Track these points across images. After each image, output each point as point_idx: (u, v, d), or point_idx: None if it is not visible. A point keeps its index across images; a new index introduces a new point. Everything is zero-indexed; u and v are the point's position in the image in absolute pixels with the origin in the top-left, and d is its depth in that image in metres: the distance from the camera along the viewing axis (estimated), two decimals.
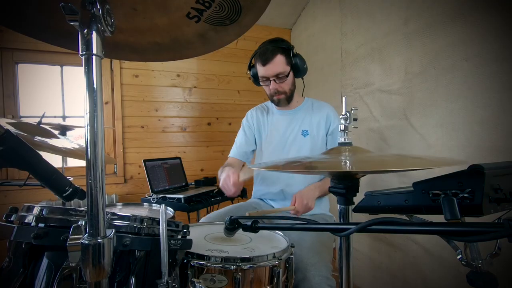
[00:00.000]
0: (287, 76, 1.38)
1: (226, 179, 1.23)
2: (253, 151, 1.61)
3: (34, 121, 1.30)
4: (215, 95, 2.74)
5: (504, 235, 0.41)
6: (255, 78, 1.47)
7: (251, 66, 1.49)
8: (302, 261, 1.10)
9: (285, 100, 1.45)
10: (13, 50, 2.16)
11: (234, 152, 1.58)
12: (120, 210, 1.60)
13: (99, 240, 0.47)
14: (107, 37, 0.50)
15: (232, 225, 0.73)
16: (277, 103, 1.48)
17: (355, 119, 0.73)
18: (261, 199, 1.58)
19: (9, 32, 2.09)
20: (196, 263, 0.83)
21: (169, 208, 1.54)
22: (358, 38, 2.05)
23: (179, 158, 2.21)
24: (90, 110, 0.47)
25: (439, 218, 0.50)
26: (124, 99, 2.43)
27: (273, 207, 1.51)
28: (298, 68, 1.39)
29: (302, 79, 1.53)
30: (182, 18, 0.62)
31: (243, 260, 0.84)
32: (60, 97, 2.33)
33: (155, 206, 1.63)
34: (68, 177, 0.65)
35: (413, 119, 1.63)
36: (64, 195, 0.61)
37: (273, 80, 1.38)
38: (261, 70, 1.39)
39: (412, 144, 1.63)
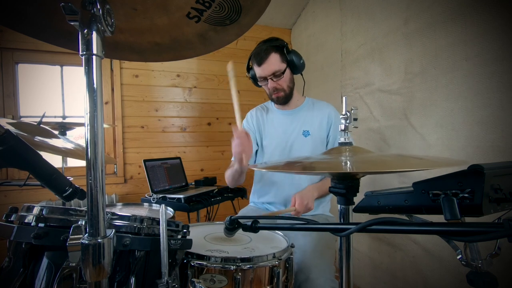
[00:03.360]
0: (283, 73, 1.38)
1: (237, 139, 1.14)
2: (254, 154, 1.59)
3: (34, 121, 1.30)
4: (215, 95, 2.74)
5: (504, 235, 0.41)
6: (254, 79, 1.48)
7: (249, 68, 1.49)
8: (305, 263, 1.10)
9: (284, 97, 1.44)
10: (13, 50, 2.16)
11: None
12: (120, 210, 1.60)
13: (99, 240, 0.47)
14: (107, 37, 0.50)
15: (232, 225, 0.73)
16: (277, 101, 1.47)
17: (355, 119, 0.73)
18: (260, 202, 1.57)
19: (9, 32, 2.09)
20: (196, 263, 0.83)
21: (169, 208, 1.54)
22: (358, 38, 2.05)
23: (179, 158, 2.21)
24: (90, 110, 0.47)
25: (439, 218, 0.50)
26: (124, 99, 2.43)
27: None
28: (294, 64, 1.39)
29: (302, 76, 1.52)
30: (182, 18, 0.62)
31: (243, 260, 0.84)
32: (60, 97, 2.33)
33: (155, 206, 1.63)
34: (68, 177, 0.65)
35: (413, 119, 1.63)
36: (64, 195, 0.61)
37: (270, 78, 1.39)
38: (257, 70, 1.40)
39: (412, 144, 1.63)
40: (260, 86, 1.50)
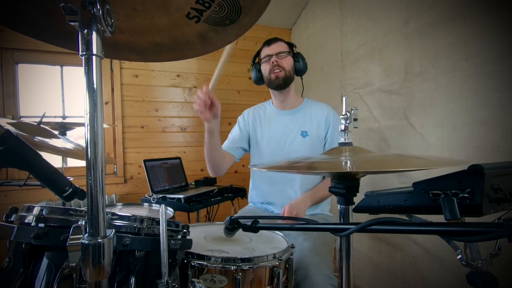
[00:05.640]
0: (287, 54, 1.46)
1: (196, 97, 1.25)
2: (244, 150, 1.59)
3: (34, 121, 1.30)
4: (215, 95, 2.72)
5: (504, 235, 0.41)
6: (257, 74, 1.53)
7: (255, 62, 1.55)
8: (304, 261, 1.11)
9: (283, 79, 1.43)
10: (13, 50, 2.16)
11: (224, 145, 1.55)
12: (120, 210, 1.60)
13: (99, 240, 0.47)
14: (107, 37, 0.50)
15: (232, 225, 0.73)
16: (275, 81, 1.44)
17: (355, 119, 0.73)
18: (261, 202, 1.57)
19: (9, 32, 2.09)
20: (196, 263, 0.83)
21: (169, 208, 1.54)
22: (358, 38, 2.05)
23: (179, 158, 2.21)
24: (90, 110, 0.47)
25: (439, 218, 0.50)
26: (124, 99, 2.43)
27: (273, 212, 1.50)
28: (297, 61, 1.47)
29: (302, 79, 1.54)
30: (182, 18, 0.62)
31: (243, 260, 0.84)
32: (60, 97, 2.33)
33: (155, 206, 1.63)
34: (68, 177, 0.65)
35: (413, 119, 1.63)
36: (64, 195, 0.61)
37: (275, 55, 1.44)
38: (265, 50, 1.47)
39: (412, 144, 1.63)
40: (260, 84, 1.53)
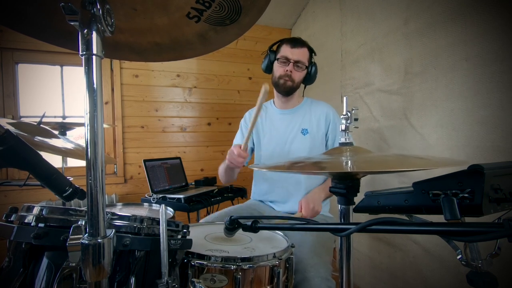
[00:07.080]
0: (304, 68, 1.44)
1: (231, 153, 1.27)
2: (252, 150, 1.62)
3: (34, 121, 1.30)
4: (215, 95, 2.74)
5: (504, 235, 0.41)
6: (271, 58, 1.49)
7: (271, 50, 1.51)
8: (302, 262, 1.11)
9: (289, 88, 1.45)
10: (13, 50, 2.16)
11: None
12: (120, 210, 1.60)
13: (99, 240, 0.47)
14: (107, 37, 0.50)
15: (232, 225, 0.73)
16: (282, 87, 1.46)
17: (355, 119, 0.73)
18: (260, 200, 1.58)
19: (9, 32, 2.09)
20: (197, 262, 0.83)
21: (169, 208, 1.54)
22: (358, 38, 2.04)
23: (179, 158, 2.21)
24: (90, 110, 0.47)
25: (439, 218, 0.50)
26: (124, 99, 2.44)
27: (273, 208, 1.51)
28: (310, 73, 1.48)
29: (304, 87, 1.56)
30: (182, 18, 0.62)
31: (244, 260, 0.84)
32: (60, 97, 2.33)
33: (155, 206, 1.63)
34: (68, 177, 0.64)
35: (413, 119, 1.63)
36: (64, 195, 0.61)
37: (292, 63, 1.42)
38: (287, 50, 1.42)
39: (412, 144, 1.63)
40: (269, 72, 1.52)
